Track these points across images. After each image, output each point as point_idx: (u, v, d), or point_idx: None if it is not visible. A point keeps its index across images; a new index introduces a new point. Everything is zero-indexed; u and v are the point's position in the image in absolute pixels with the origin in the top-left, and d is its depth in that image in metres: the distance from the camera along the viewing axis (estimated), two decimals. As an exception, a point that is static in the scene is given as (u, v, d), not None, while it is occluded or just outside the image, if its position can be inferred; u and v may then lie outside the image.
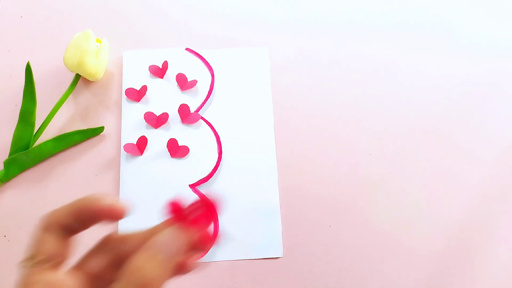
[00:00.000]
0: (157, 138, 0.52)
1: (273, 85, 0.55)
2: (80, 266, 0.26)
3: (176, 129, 0.52)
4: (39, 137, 0.51)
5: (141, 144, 0.51)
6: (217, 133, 0.52)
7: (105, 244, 0.27)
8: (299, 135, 0.52)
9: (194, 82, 0.54)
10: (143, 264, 0.23)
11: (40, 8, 0.59)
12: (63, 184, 0.50)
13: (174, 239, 0.25)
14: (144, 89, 0.53)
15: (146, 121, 0.52)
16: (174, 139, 0.51)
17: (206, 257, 0.47)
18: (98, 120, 0.53)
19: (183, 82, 0.54)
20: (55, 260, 0.25)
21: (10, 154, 0.50)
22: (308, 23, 0.58)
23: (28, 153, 0.50)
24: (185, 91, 0.54)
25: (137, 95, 0.54)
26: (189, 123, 0.52)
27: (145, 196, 0.49)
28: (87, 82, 0.55)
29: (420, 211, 0.49)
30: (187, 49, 0.56)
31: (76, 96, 0.54)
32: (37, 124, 0.51)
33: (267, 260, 0.47)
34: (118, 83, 0.55)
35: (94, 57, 0.52)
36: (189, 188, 0.49)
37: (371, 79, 0.55)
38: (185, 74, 0.54)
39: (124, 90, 0.54)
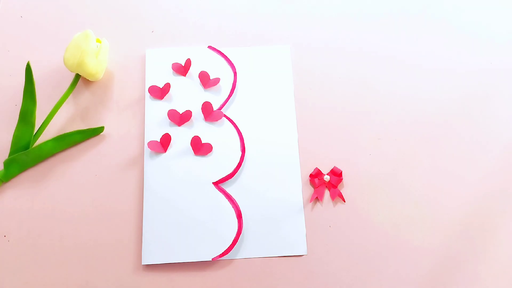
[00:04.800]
0: (181, 136, 0.52)
1: (295, 83, 0.55)
2: None
3: (199, 127, 0.52)
4: (39, 137, 0.51)
5: (165, 142, 0.51)
6: (239, 131, 0.52)
7: None
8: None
9: (216, 80, 0.54)
10: None
11: (40, 8, 0.59)
12: (63, 184, 0.50)
13: None
14: (167, 86, 0.54)
15: (169, 119, 0.52)
16: (198, 136, 0.51)
17: (230, 255, 0.47)
18: (98, 120, 0.53)
19: (206, 80, 0.54)
20: None
21: (10, 154, 0.50)
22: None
23: (28, 153, 0.50)
24: (207, 89, 0.54)
25: (160, 92, 0.54)
26: (212, 120, 0.53)
27: (169, 193, 0.49)
28: (87, 82, 0.55)
29: (421, 211, 0.49)
30: (209, 47, 0.57)
31: (76, 96, 0.54)
32: (37, 124, 0.51)
33: (291, 258, 0.47)
34: (118, 83, 0.55)
35: (94, 57, 0.52)
36: (213, 185, 0.50)
37: (370, 79, 0.55)
38: (208, 72, 0.55)
39: (147, 87, 0.54)
